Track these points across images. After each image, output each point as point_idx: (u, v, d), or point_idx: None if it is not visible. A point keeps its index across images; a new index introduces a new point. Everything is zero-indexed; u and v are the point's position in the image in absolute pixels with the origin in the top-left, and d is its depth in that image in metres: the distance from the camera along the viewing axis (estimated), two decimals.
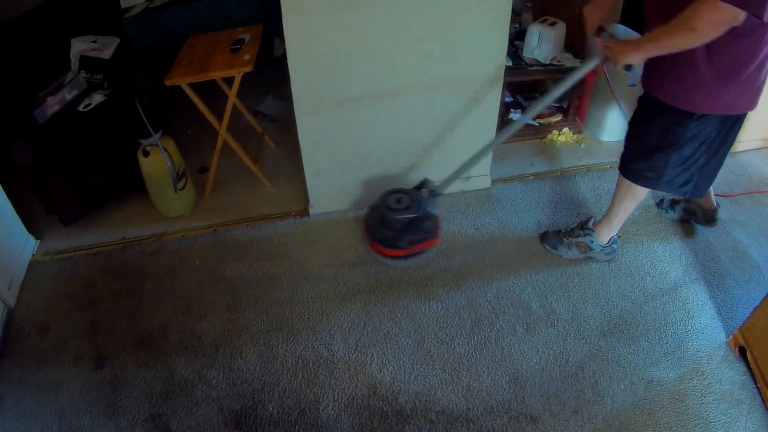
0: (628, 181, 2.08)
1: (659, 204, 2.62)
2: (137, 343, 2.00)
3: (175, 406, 1.82)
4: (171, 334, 2.02)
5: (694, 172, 1.98)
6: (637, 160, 2.01)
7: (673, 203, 2.57)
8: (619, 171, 2.10)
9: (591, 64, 1.84)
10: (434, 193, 2.22)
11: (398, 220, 2.13)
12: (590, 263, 2.34)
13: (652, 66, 1.80)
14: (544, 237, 2.42)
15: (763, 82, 1.76)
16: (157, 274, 2.19)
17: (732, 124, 1.86)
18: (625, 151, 2.07)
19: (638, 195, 2.11)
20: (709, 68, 1.69)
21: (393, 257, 2.22)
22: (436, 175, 2.44)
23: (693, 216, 2.54)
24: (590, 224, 2.30)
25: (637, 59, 1.71)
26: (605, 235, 2.29)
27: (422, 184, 2.26)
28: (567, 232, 2.35)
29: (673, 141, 1.89)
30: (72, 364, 1.93)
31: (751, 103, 1.80)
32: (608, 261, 2.37)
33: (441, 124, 2.33)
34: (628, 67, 1.76)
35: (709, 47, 1.61)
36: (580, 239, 2.31)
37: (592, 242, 2.29)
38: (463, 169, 2.16)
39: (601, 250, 2.31)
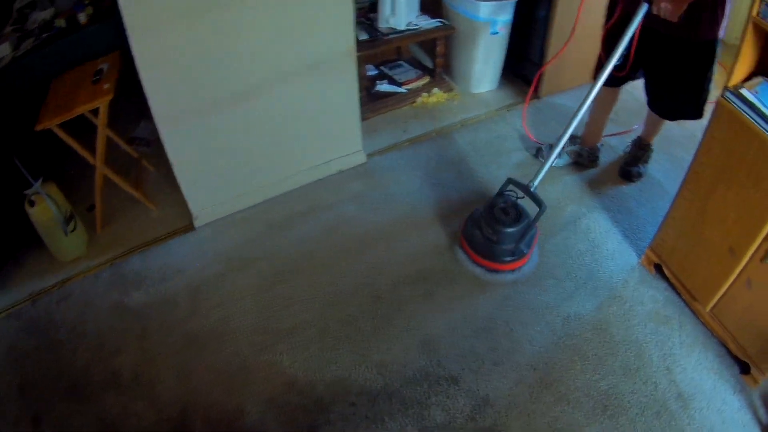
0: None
1: (537, 154, 2.63)
2: (66, 392, 1.97)
3: None
4: (93, 375, 1.98)
5: None
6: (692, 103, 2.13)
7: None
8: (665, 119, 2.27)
9: (642, 13, 1.89)
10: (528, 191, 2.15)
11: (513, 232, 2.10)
12: None
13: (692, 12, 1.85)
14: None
15: None
16: (67, 321, 2.16)
17: None
18: (677, 104, 2.18)
19: None
20: None
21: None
22: (316, 157, 2.49)
23: (579, 158, 2.56)
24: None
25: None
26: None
27: (509, 183, 2.19)
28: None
29: (711, 71, 2.04)
30: (12, 430, 1.90)
31: None
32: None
33: (306, 109, 2.34)
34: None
35: None
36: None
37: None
38: (555, 151, 2.12)
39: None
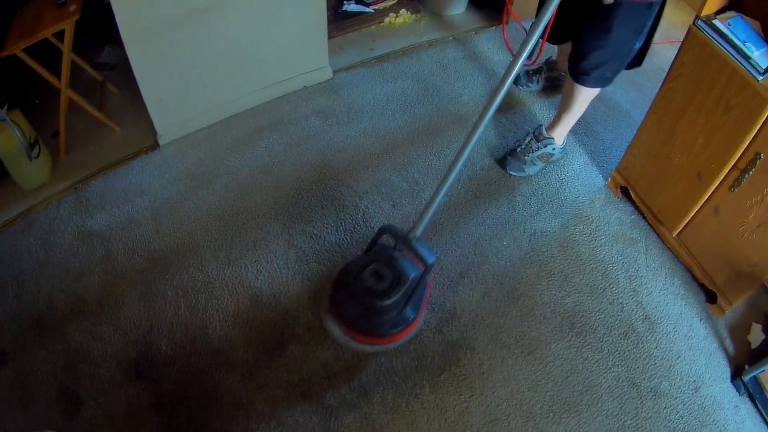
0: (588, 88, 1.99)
1: (515, 82, 2.58)
2: (31, 324, 1.93)
3: (78, 375, 1.76)
4: (57, 303, 1.95)
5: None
6: (603, 65, 1.90)
7: (531, 75, 2.55)
8: (577, 83, 1.97)
9: None
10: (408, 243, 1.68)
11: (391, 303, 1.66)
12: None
13: None
14: (504, 163, 2.25)
15: None
16: (31, 250, 2.12)
17: None
18: (588, 62, 1.90)
19: (596, 92, 2.04)
20: None
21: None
22: (282, 72, 2.46)
23: (557, 82, 2.55)
24: (544, 132, 2.19)
25: None
26: (562, 136, 2.21)
27: (383, 232, 1.73)
28: (524, 149, 2.21)
29: (639, 35, 1.84)
30: None
31: None
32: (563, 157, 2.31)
33: (272, 24, 2.29)
34: None
35: None
36: (540, 151, 2.20)
37: (553, 149, 2.21)
38: (435, 201, 1.67)
39: (560, 151, 2.25)
